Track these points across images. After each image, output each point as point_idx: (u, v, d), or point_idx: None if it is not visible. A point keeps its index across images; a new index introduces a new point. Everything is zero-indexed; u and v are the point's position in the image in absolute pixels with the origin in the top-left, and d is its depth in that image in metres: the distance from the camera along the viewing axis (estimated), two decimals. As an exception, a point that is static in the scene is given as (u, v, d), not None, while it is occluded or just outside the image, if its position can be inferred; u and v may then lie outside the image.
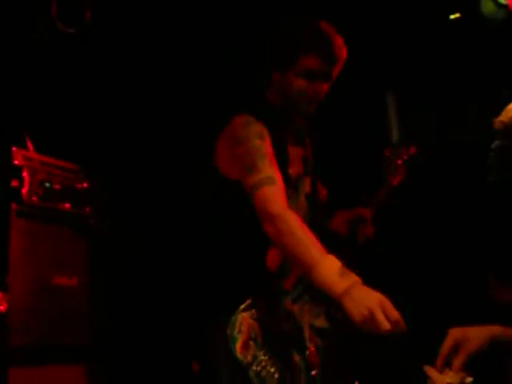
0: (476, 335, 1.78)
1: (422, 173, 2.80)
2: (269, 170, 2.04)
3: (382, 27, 3.03)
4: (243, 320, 2.10)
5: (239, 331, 2.08)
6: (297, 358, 2.18)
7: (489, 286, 2.55)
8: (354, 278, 1.86)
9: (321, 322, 2.28)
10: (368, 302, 1.78)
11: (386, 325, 1.75)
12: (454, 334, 1.77)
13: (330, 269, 1.87)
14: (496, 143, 2.08)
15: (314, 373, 2.21)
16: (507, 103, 3.35)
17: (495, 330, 1.81)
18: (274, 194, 2.00)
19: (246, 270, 2.18)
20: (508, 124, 1.81)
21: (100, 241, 3.29)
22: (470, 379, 1.68)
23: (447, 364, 1.72)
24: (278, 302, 2.19)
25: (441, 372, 1.72)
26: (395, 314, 1.78)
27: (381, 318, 1.76)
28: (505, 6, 3.12)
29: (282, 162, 2.17)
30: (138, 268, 3.52)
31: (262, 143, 2.09)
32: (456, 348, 1.72)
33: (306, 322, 2.24)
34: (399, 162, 2.64)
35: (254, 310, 2.13)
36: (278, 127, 2.21)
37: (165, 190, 3.57)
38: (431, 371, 1.73)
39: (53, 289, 3.08)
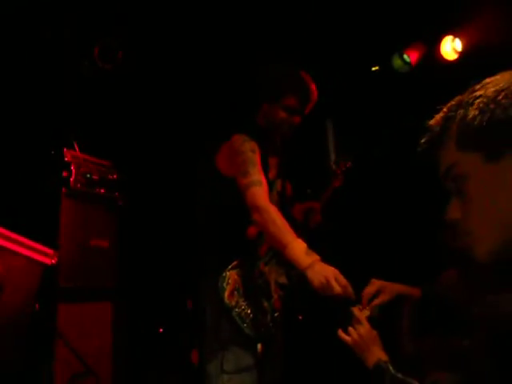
0: (390, 288, 1.80)
1: (353, 178, 2.81)
2: (257, 175, 2.03)
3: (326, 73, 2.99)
4: (231, 276, 2.09)
5: (227, 284, 2.07)
6: (265, 304, 2.18)
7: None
8: (315, 257, 1.87)
9: (283, 279, 2.27)
10: (325, 273, 1.80)
11: (337, 289, 1.78)
12: (376, 283, 1.79)
13: (298, 248, 1.88)
14: None
15: (276, 314, 2.22)
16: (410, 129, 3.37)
17: (402, 287, 1.84)
18: (260, 192, 1.99)
19: (233, 240, 2.16)
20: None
21: (124, 215, 3.23)
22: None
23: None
24: (254, 264, 2.17)
25: (361, 310, 1.75)
26: (344, 281, 1.80)
27: (334, 283, 1.78)
28: (409, 63, 3.12)
29: (264, 169, 2.15)
30: (152, 234, 3.47)
31: (253, 155, 2.08)
32: (375, 295, 1.74)
33: (273, 278, 2.23)
34: (339, 171, 2.71)
35: (238, 269, 2.11)
36: (264, 143, 2.19)
37: (172, 181, 3.50)
38: (355, 310, 1.76)
39: (90, 248, 3.02)
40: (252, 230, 2.17)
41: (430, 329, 2.47)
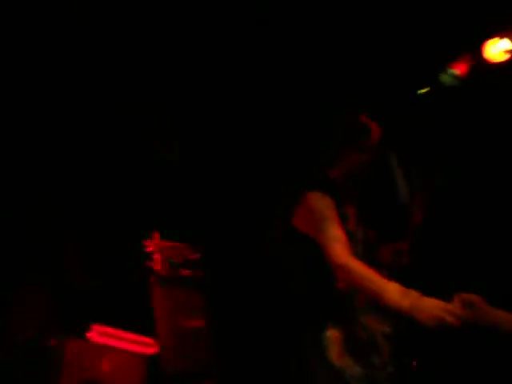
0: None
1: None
2: (334, 230, 1.99)
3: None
4: (333, 334, 1.99)
5: (333, 343, 1.97)
6: (376, 359, 2.03)
7: None
8: (414, 294, 1.77)
9: (387, 329, 2.12)
10: (432, 309, 1.71)
11: (452, 320, 1.67)
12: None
13: (393, 292, 1.79)
14: None
15: (390, 370, 2.05)
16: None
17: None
18: (339, 249, 1.95)
19: (327, 296, 2.09)
20: None
21: (214, 294, 3.29)
22: None
23: None
24: (354, 317, 2.06)
25: None
26: (454, 308, 1.72)
27: (447, 317, 1.68)
28: (457, 76, 3.04)
29: (344, 221, 2.11)
30: (243, 307, 3.47)
31: (328, 211, 2.05)
32: None
33: (377, 330, 2.09)
34: (416, 204, 2.57)
35: (340, 326, 2.02)
36: (338, 195, 2.15)
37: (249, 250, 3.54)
38: None
39: (186, 330, 3.08)
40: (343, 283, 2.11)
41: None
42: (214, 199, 3.58)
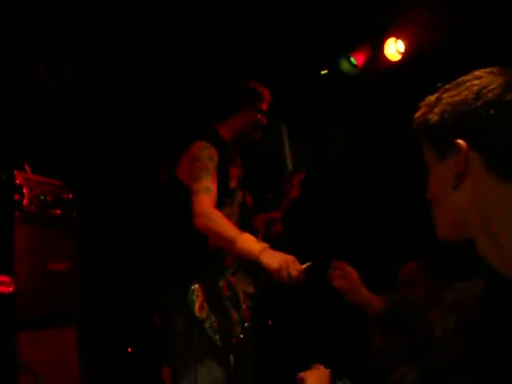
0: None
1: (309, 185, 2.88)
2: (209, 182, 2.06)
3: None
4: (199, 288, 2.09)
5: (196, 296, 2.07)
6: (235, 315, 2.18)
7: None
8: (266, 245, 1.94)
9: (250, 289, 2.29)
10: (281, 257, 1.88)
11: (295, 273, 1.84)
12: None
13: (247, 239, 1.94)
14: None
15: (246, 325, 2.23)
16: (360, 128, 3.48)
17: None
18: (206, 199, 2.02)
19: (198, 252, 2.17)
20: None
21: (83, 236, 3.15)
22: None
23: None
24: (221, 275, 2.19)
25: None
26: (300, 267, 1.89)
27: (292, 267, 1.85)
28: (356, 66, 3.24)
29: (226, 179, 2.19)
30: (111, 255, 3.39)
31: (210, 163, 2.11)
32: None
33: (241, 289, 2.24)
34: (295, 181, 2.74)
35: (206, 281, 2.12)
36: (225, 153, 2.23)
37: (129, 196, 3.45)
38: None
39: (48, 272, 2.92)
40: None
41: (397, 326, 2.57)
42: (96, 138, 3.37)
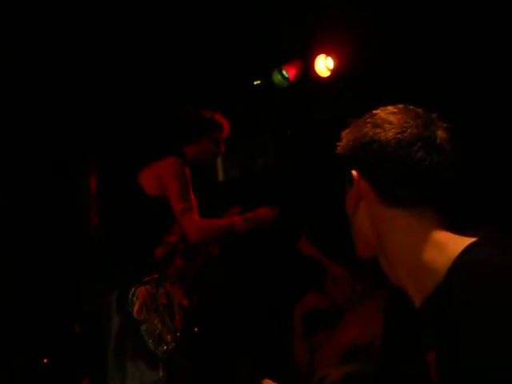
0: None
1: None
2: (191, 201, 2.31)
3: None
4: (140, 291, 2.21)
5: (136, 298, 2.17)
6: (169, 323, 2.30)
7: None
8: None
9: (185, 302, 2.43)
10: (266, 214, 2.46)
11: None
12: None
13: (239, 220, 2.38)
14: None
15: (178, 334, 2.34)
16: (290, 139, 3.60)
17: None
18: (193, 217, 2.29)
19: (144, 257, 2.31)
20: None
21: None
22: None
23: None
24: (161, 283, 2.32)
25: None
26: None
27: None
28: (287, 78, 3.34)
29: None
30: (30, 259, 3.24)
31: (188, 182, 2.34)
32: None
33: (176, 300, 2.38)
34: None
35: (147, 286, 2.25)
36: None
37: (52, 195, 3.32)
38: None
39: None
40: (160, 252, 2.30)
41: (319, 330, 2.70)
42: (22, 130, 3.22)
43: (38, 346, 3.16)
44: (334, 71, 3.29)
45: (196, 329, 3.26)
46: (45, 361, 3.12)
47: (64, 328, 3.15)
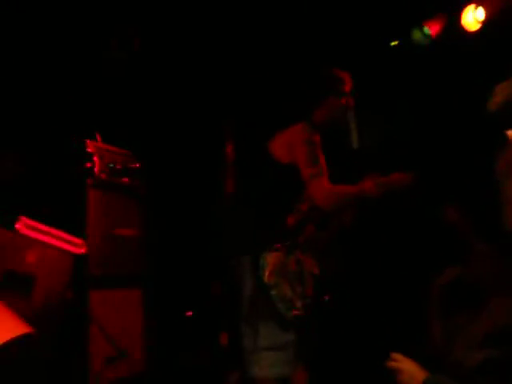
0: None
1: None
2: (321, 166, 2.28)
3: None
4: (271, 257, 2.25)
5: (267, 264, 2.23)
6: (299, 289, 2.32)
7: None
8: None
9: (315, 270, 2.42)
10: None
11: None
12: None
13: (362, 185, 2.31)
14: None
15: (308, 301, 2.35)
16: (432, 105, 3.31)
17: None
18: (322, 183, 2.26)
19: (276, 224, 2.34)
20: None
21: (148, 203, 3.32)
22: None
23: None
24: (292, 250, 2.33)
25: None
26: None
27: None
28: (429, 36, 3.06)
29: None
30: (176, 220, 3.55)
31: (316, 147, 2.31)
32: None
33: (307, 267, 2.38)
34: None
35: (279, 252, 2.27)
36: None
37: (193, 165, 3.56)
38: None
39: (117, 237, 3.12)
40: (292, 220, 2.32)
41: (459, 311, 2.53)
42: (164, 110, 3.48)
43: (183, 300, 3.49)
44: (484, 24, 2.93)
45: (326, 297, 3.30)
46: (189, 313, 3.45)
47: (207, 286, 3.42)
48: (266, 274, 2.22)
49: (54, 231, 2.95)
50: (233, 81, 3.40)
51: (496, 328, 2.27)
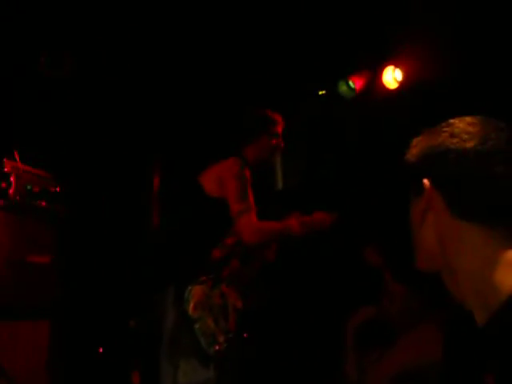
0: None
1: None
2: (250, 202, 2.30)
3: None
4: (196, 290, 2.23)
5: (192, 296, 2.20)
6: (223, 323, 2.29)
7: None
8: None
9: (239, 304, 2.41)
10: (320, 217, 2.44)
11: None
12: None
13: (295, 224, 2.38)
14: None
15: (230, 336, 2.33)
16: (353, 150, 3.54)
17: None
18: (251, 218, 2.28)
19: (200, 257, 2.32)
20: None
21: (66, 229, 3.14)
22: None
23: None
24: (216, 284, 2.32)
25: None
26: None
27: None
28: (354, 89, 3.31)
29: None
30: (94, 251, 3.39)
31: (246, 183, 2.33)
32: None
33: (231, 301, 2.37)
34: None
35: (203, 285, 2.26)
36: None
37: (114, 193, 3.46)
38: None
39: (28, 264, 2.90)
40: (217, 253, 2.31)
41: (372, 348, 2.63)
42: (90, 134, 3.38)
43: (94, 335, 3.29)
44: (401, 83, 3.24)
45: (245, 334, 3.28)
46: (100, 350, 3.24)
47: (121, 321, 3.26)
48: (191, 306, 2.19)
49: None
50: (166, 113, 3.41)
51: (403, 366, 2.39)
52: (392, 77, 3.30)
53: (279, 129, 2.54)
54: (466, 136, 0.92)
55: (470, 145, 0.91)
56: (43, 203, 3.03)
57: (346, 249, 2.94)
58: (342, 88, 3.31)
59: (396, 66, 3.32)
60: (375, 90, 3.29)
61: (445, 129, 0.96)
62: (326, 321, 3.10)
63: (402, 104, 3.13)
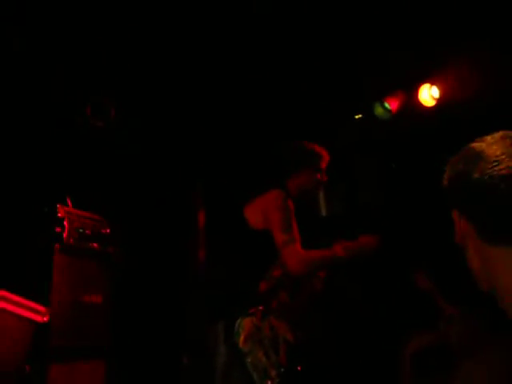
0: None
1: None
2: (294, 233, 2.29)
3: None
4: (246, 323, 2.20)
5: (242, 329, 2.18)
6: (273, 357, 2.25)
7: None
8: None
9: (289, 336, 2.36)
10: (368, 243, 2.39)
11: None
12: None
13: (340, 250, 2.33)
14: None
15: (282, 370, 2.27)
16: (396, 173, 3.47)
17: None
18: (296, 249, 2.27)
19: (249, 292, 2.32)
20: None
21: (118, 270, 3.25)
22: None
23: None
24: (266, 316, 2.30)
25: None
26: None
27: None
28: (390, 111, 3.29)
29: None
30: (146, 289, 3.46)
31: (290, 214, 2.34)
32: None
33: (281, 333, 2.32)
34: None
35: (253, 317, 2.24)
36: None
37: (166, 235, 3.55)
38: None
39: (84, 304, 3.01)
40: (264, 285, 2.32)
41: (431, 376, 2.50)
42: (136, 177, 3.53)
43: (150, 373, 3.32)
44: (439, 101, 3.19)
45: (299, 367, 3.22)
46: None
47: (174, 358, 3.28)
48: (241, 339, 2.17)
49: (15, 298, 2.83)
50: (209, 148, 3.51)
51: None
52: (428, 94, 3.26)
53: (324, 164, 2.56)
54: (479, 161, 0.90)
55: (482, 170, 0.89)
56: (95, 245, 3.17)
57: (393, 273, 2.85)
58: (378, 110, 3.30)
59: (432, 83, 3.28)
60: (412, 109, 3.25)
61: (462, 155, 0.95)
62: (379, 349, 2.99)
63: (440, 123, 3.07)
